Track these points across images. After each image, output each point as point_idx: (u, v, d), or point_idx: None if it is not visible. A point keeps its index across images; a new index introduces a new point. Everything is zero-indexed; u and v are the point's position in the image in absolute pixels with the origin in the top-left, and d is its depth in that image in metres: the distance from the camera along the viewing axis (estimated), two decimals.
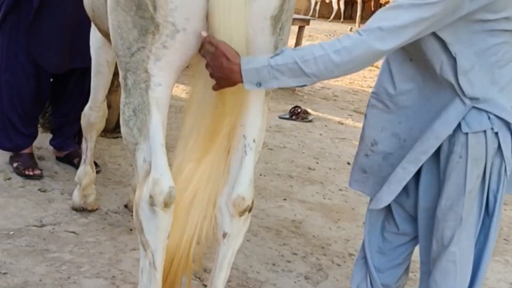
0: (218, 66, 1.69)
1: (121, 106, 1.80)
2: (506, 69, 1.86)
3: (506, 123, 1.86)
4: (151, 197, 1.72)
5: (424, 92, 1.95)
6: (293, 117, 5.66)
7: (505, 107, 1.86)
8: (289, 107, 5.89)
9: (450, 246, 1.93)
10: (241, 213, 1.87)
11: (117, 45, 1.75)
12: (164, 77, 1.72)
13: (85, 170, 3.03)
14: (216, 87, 1.74)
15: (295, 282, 2.72)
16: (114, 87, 3.64)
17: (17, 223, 2.83)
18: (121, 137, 1.94)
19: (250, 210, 1.89)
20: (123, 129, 1.80)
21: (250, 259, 2.86)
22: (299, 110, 5.73)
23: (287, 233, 3.21)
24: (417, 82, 1.95)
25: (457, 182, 1.88)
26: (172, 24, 1.64)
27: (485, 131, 1.84)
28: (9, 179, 3.32)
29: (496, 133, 1.84)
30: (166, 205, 1.72)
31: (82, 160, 3.06)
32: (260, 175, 4.05)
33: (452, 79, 1.83)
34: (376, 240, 2.20)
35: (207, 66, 1.72)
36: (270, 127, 5.35)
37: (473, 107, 1.84)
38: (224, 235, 1.90)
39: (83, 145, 3.07)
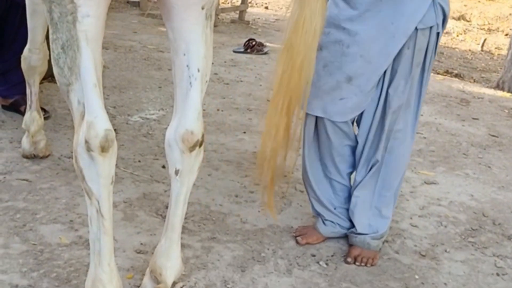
0: None
1: (50, 43, 1.62)
2: None
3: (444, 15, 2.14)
4: (86, 142, 1.57)
5: None
6: (248, 50, 5.54)
7: None
8: (243, 40, 5.76)
9: (396, 125, 2.25)
10: (191, 148, 1.76)
11: None
12: (91, 6, 1.54)
13: (32, 116, 2.88)
14: None
15: (258, 212, 2.68)
16: None
17: None
18: None
19: (201, 145, 1.78)
20: (54, 69, 1.62)
21: (212, 192, 2.81)
22: (253, 43, 5.61)
23: (249, 165, 3.16)
24: None
25: (404, 71, 2.16)
26: None
27: (430, 27, 2.11)
28: None
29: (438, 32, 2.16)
30: (104, 149, 1.58)
31: (28, 106, 2.90)
32: (218, 110, 3.97)
33: None
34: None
35: None
36: (225, 62, 5.24)
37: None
38: (177, 172, 1.80)
39: (27, 90, 2.90)
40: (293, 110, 2.04)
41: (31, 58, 2.80)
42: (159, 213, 2.57)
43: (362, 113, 2.30)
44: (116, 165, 1.68)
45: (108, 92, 4.00)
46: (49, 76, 3.61)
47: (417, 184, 3.16)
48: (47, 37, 2.85)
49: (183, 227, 2.43)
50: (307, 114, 2.33)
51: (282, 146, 2.12)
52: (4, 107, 3.51)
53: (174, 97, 1.84)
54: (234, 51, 5.52)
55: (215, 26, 1.86)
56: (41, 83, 3.65)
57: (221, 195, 2.80)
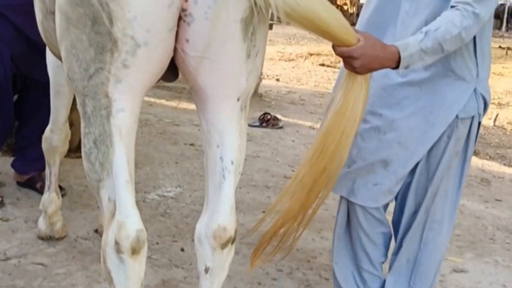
0: (374, 56, 1.74)
1: (81, 137, 1.58)
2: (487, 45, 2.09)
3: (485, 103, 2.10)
4: (117, 243, 1.50)
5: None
6: (263, 124, 5.53)
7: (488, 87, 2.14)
8: (258, 114, 5.75)
9: (432, 215, 2.19)
10: (223, 245, 1.69)
11: (72, 67, 1.53)
12: (126, 101, 1.51)
13: (50, 197, 2.82)
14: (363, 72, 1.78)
15: None
16: (75, 105, 3.42)
17: None
18: None
19: (233, 241, 1.71)
20: (84, 163, 1.58)
21: (233, 279, 2.70)
22: (268, 117, 5.60)
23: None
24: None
25: (440, 158, 2.11)
26: (132, 38, 1.43)
27: (472, 117, 2.09)
28: None
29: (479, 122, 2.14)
30: (134, 251, 1.51)
31: (46, 187, 2.84)
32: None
33: (468, 59, 2.01)
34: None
35: (350, 62, 1.73)
36: None
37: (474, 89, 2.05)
38: (206, 269, 1.72)
39: (47, 170, 2.85)
40: (317, 192, 1.98)
41: (53, 138, 2.77)
42: None
43: (398, 201, 2.24)
44: None
45: None
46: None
47: (446, 272, 3.03)
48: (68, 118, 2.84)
49: None
50: (340, 201, 2.29)
51: (297, 226, 2.09)
52: (19, 183, 3.45)
53: (206, 189, 1.79)
54: (250, 125, 5.50)
55: None
56: None
57: (243, 282, 2.69)
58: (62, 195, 3.25)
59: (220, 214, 1.67)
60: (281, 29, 14.80)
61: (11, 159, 3.52)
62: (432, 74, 2.03)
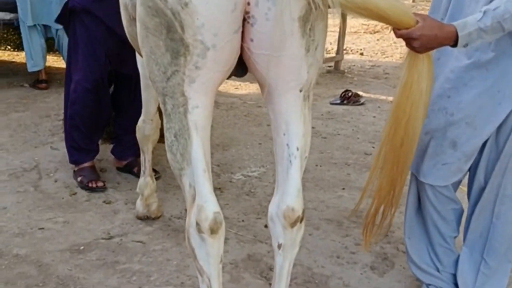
0: (432, 36, 1.86)
1: (164, 132, 1.80)
2: None
3: None
4: (197, 224, 1.72)
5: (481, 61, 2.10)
6: (345, 102, 5.61)
7: None
8: (339, 91, 5.84)
9: (503, 190, 2.23)
10: (293, 224, 1.85)
11: (152, 71, 1.74)
12: (200, 98, 1.70)
13: (146, 181, 3.12)
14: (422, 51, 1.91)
15: (361, 274, 2.71)
16: None
17: (86, 238, 2.94)
18: None
19: (301, 220, 1.87)
20: (168, 155, 1.80)
21: (313, 253, 2.88)
22: (349, 94, 5.67)
23: (349, 223, 3.20)
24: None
25: (509, 135, 2.15)
26: (201, 42, 1.62)
27: None
28: (74, 194, 3.45)
29: None
30: (213, 231, 1.72)
31: (142, 172, 3.14)
32: (316, 165, 4.05)
33: None
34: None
35: (410, 43, 1.87)
36: (322, 114, 5.34)
37: None
38: (279, 246, 1.90)
39: (141, 157, 3.15)
40: (402, 167, 2.11)
41: (145, 128, 3.04)
42: (263, 275, 2.67)
43: (469, 177, 2.32)
44: None
45: (212, 150, 4.20)
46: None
47: None
48: (159, 108, 3.12)
49: None
50: (411, 178, 2.39)
51: (391, 204, 2.20)
52: (118, 168, 3.81)
53: (276, 172, 1.96)
54: (331, 103, 5.61)
55: None
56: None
57: (323, 256, 2.86)
58: (157, 178, 3.57)
59: (288, 196, 1.84)
60: None
61: (111, 146, 3.89)
62: (497, 54, 2.08)
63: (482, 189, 2.28)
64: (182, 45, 1.63)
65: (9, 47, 7.04)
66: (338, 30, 7.18)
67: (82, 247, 2.85)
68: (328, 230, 3.12)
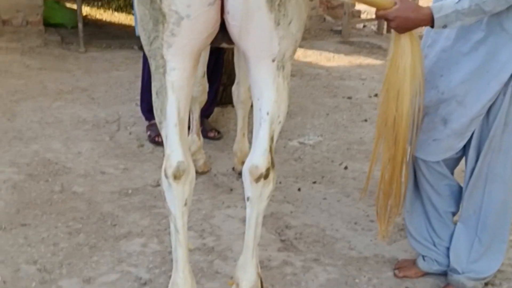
0: (407, 18, 2.04)
1: (152, 89, 2.05)
2: None
3: None
4: (165, 170, 2.00)
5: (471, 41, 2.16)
6: None
7: None
8: None
9: (493, 169, 2.27)
10: (257, 180, 2.03)
11: (141, 35, 2.01)
12: (177, 62, 1.93)
13: (192, 138, 3.44)
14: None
15: (370, 240, 2.83)
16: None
17: (137, 184, 3.34)
18: None
19: (266, 177, 2.04)
20: (154, 109, 2.06)
21: (333, 218, 3.03)
22: None
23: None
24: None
25: (497, 115, 2.19)
26: (176, 12, 1.84)
27: None
28: (142, 146, 3.87)
29: None
30: (176, 177, 1.97)
31: (190, 130, 3.46)
32: (374, 138, 4.10)
33: None
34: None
35: (388, 23, 2.09)
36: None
37: None
38: (248, 198, 2.10)
39: (190, 116, 3.46)
40: (403, 137, 2.25)
41: (193, 90, 3.34)
42: (278, 231, 2.88)
43: (465, 156, 2.36)
44: None
45: None
46: (229, 103, 4.15)
47: None
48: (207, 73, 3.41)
49: (294, 246, 2.76)
50: (410, 153, 2.47)
51: (397, 183, 2.36)
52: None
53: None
54: None
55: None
56: (226, 107, 4.28)
57: (341, 220, 3.01)
58: (218, 138, 3.92)
59: (255, 154, 2.04)
60: None
61: None
62: (486, 34, 2.11)
63: (474, 168, 2.31)
64: (160, 14, 1.88)
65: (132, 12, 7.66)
66: None
67: (130, 191, 3.24)
68: (357, 199, 3.24)
